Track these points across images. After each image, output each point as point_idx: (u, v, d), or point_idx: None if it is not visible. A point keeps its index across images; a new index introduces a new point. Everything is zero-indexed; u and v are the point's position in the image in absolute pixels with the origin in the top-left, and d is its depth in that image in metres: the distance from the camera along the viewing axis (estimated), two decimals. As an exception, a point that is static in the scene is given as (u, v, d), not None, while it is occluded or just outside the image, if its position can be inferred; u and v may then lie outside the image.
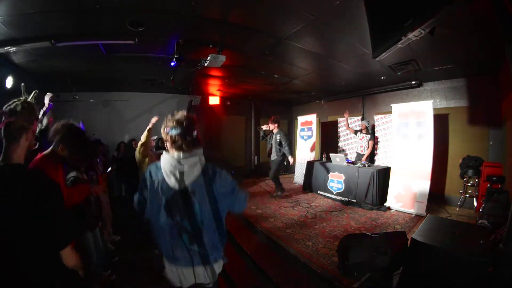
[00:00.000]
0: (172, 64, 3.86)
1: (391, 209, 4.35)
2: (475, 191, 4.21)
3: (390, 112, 4.87)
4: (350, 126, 6.05)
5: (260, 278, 2.62)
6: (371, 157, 5.66)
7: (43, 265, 0.98)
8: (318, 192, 5.51)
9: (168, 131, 1.25)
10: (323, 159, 5.98)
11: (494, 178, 3.59)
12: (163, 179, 1.24)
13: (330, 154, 5.44)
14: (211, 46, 3.60)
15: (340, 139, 6.97)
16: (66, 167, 2.19)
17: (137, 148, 3.26)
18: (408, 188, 4.26)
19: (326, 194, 5.29)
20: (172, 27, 3.15)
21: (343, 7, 2.52)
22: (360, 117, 6.42)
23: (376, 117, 5.98)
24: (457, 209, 4.32)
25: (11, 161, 0.98)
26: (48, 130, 2.05)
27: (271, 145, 5.26)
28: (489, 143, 4.29)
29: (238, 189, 1.34)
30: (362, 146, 5.58)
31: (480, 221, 2.93)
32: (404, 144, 4.46)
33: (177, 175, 1.22)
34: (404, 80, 5.06)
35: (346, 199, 4.79)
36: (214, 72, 5.06)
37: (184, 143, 1.24)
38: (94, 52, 3.73)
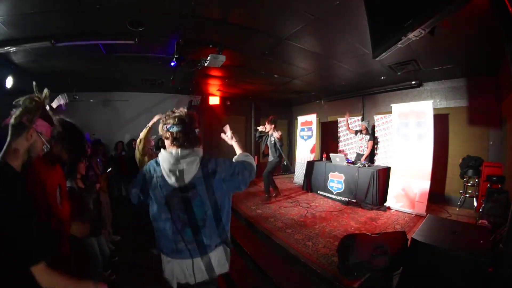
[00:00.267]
0: (172, 64, 3.86)
1: (391, 209, 4.35)
2: (475, 191, 4.21)
3: (390, 112, 4.88)
4: (350, 126, 6.06)
5: (260, 278, 2.62)
6: (370, 157, 5.67)
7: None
8: (318, 192, 5.51)
9: (169, 127, 1.23)
10: (323, 159, 5.98)
11: (494, 178, 3.59)
12: (162, 176, 1.23)
13: (330, 154, 5.44)
14: (211, 46, 3.60)
15: (340, 139, 6.97)
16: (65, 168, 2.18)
17: (136, 147, 3.25)
18: (408, 188, 4.26)
19: (326, 194, 5.29)
20: (172, 27, 3.15)
21: (343, 7, 2.52)
22: (360, 117, 6.42)
23: (376, 117, 5.98)
24: (457, 209, 4.32)
25: (1, 159, 0.92)
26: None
27: (266, 145, 5.11)
28: (489, 143, 4.29)
29: (238, 168, 1.32)
30: (361, 147, 5.59)
31: (480, 221, 2.93)
32: (404, 144, 4.46)
33: (177, 173, 1.20)
34: (404, 80, 5.06)
35: (346, 199, 4.79)
36: (214, 72, 5.06)
37: (186, 140, 1.23)
38: (94, 52, 3.73)
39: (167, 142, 1.28)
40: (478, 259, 1.56)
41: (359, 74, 4.86)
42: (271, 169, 5.01)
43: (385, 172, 4.67)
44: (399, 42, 1.73)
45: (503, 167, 3.79)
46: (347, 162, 5.17)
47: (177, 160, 1.21)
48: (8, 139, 0.94)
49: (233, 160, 1.43)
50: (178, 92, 6.98)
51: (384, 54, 1.98)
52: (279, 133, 4.89)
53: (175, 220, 1.22)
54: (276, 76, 5.24)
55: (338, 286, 2.21)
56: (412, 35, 1.61)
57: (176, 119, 1.24)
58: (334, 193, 5.11)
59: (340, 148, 6.91)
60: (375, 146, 5.85)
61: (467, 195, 4.35)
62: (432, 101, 4.27)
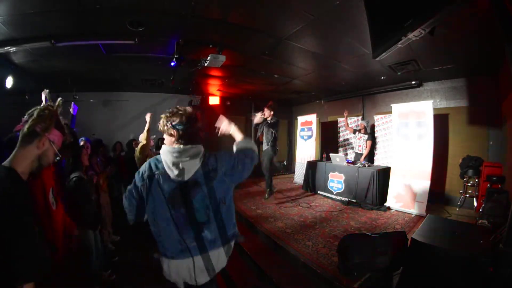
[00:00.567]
0: (172, 64, 3.86)
1: (391, 209, 4.35)
2: (475, 191, 4.21)
3: (390, 112, 4.88)
4: (349, 125, 6.07)
5: (260, 278, 2.62)
6: (370, 157, 5.67)
7: None
8: (318, 192, 5.51)
9: (175, 124, 1.23)
10: (323, 159, 5.98)
11: (494, 178, 3.59)
12: (164, 172, 1.22)
13: (330, 154, 5.45)
14: (211, 46, 3.60)
15: (340, 139, 6.97)
16: (63, 166, 2.19)
17: (137, 149, 3.25)
18: (408, 188, 4.26)
19: (326, 194, 5.29)
20: (172, 27, 3.15)
21: (343, 7, 2.52)
22: (360, 117, 6.42)
23: (376, 117, 5.98)
24: (457, 209, 4.32)
25: (8, 164, 0.90)
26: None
27: (262, 133, 4.82)
28: (489, 143, 4.29)
29: (238, 159, 1.34)
30: (360, 146, 5.60)
31: (480, 221, 2.93)
32: (404, 144, 4.46)
33: (180, 166, 1.20)
34: (404, 80, 5.06)
35: (346, 199, 4.79)
36: (214, 72, 5.06)
37: (190, 137, 1.25)
38: (94, 52, 3.73)
39: (169, 139, 1.27)
40: (478, 259, 1.56)
41: (359, 74, 4.86)
42: (269, 161, 4.75)
43: (385, 172, 4.67)
44: (399, 42, 1.73)
45: (503, 167, 3.79)
46: (347, 162, 5.17)
47: (180, 154, 1.21)
48: (18, 145, 0.93)
49: (234, 146, 1.46)
50: (178, 92, 6.98)
51: (384, 54, 1.98)
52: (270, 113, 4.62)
53: (179, 218, 1.22)
54: (276, 76, 5.24)
55: (338, 286, 2.21)
56: (412, 35, 1.61)
57: (183, 117, 1.25)
58: (334, 193, 5.11)
59: (340, 148, 6.91)
60: (375, 146, 5.86)
61: (467, 195, 4.34)
62: (432, 101, 4.27)
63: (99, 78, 5.39)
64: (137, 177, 1.28)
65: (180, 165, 1.20)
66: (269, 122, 4.67)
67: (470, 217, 3.86)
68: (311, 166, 5.86)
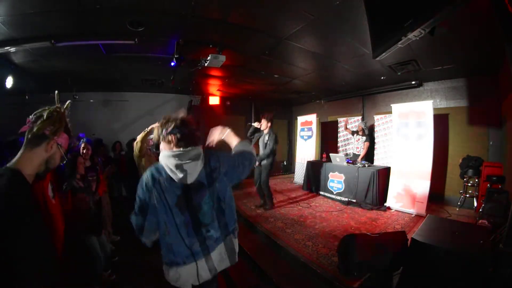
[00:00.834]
0: (172, 64, 3.86)
1: (391, 209, 4.35)
2: (475, 191, 4.21)
3: (390, 112, 4.88)
4: (349, 127, 6.09)
5: (260, 278, 2.62)
6: (369, 157, 5.67)
7: None
8: (318, 192, 5.51)
9: (171, 130, 1.23)
10: (323, 159, 5.98)
11: (494, 178, 3.58)
12: (169, 178, 1.21)
13: (330, 154, 5.45)
14: (211, 46, 3.60)
15: (340, 139, 6.97)
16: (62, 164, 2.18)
17: (134, 148, 3.26)
18: (408, 188, 4.26)
19: (326, 194, 5.29)
20: (172, 27, 3.14)
21: (343, 7, 2.51)
22: (360, 117, 6.43)
23: (376, 117, 5.98)
24: (457, 209, 4.32)
25: (14, 166, 0.87)
26: None
27: (256, 144, 4.49)
28: (489, 143, 4.29)
29: (238, 160, 1.37)
30: (358, 148, 5.64)
31: (480, 221, 2.93)
32: (404, 144, 4.46)
33: (184, 168, 1.20)
34: (404, 80, 5.06)
35: (346, 199, 4.79)
36: (214, 72, 5.06)
37: (189, 140, 1.25)
38: (94, 52, 3.73)
39: (167, 146, 1.26)
40: (478, 259, 1.56)
41: (359, 74, 4.86)
42: (268, 173, 4.42)
43: (385, 172, 4.67)
44: (399, 42, 1.73)
45: (503, 167, 3.79)
46: (347, 162, 5.17)
47: (182, 157, 1.21)
48: (24, 147, 0.90)
49: (233, 150, 1.47)
50: (178, 92, 6.98)
51: (384, 54, 1.98)
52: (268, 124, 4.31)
53: (187, 221, 1.23)
54: (276, 76, 5.24)
55: (338, 286, 2.21)
56: (412, 35, 1.61)
57: (176, 121, 1.25)
58: (334, 193, 5.11)
59: (340, 148, 6.91)
60: (375, 147, 5.86)
61: (467, 195, 4.34)
62: (432, 101, 4.27)
63: (99, 78, 5.38)
64: (140, 191, 1.23)
65: (184, 167, 1.20)
66: (266, 137, 4.33)
67: (470, 217, 3.86)
68: (311, 166, 5.86)
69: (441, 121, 4.63)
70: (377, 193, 4.44)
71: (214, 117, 7.51)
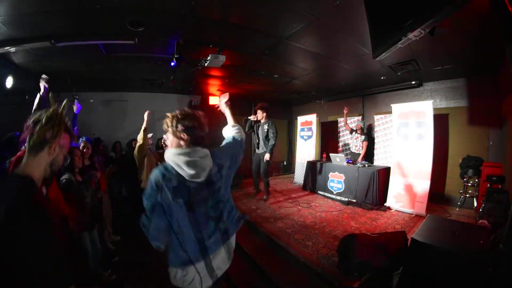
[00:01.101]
0: (172, 64, 3.86)
1: (391, 209, 4.35)
2: (475, 191, 4.21)
3: (390, 112, 4.87)
4: (348, 124, 6.09)
5: (260, 278, 2.62)
6: (369, 157, 5.68)
7: None
8: (318, 192, 5.51)
9: (187, 130, 1.23)
10: (323, 159, 5.98)
11: (494, 178, 3.58)
12: (180, 176, 1.18)
13: (330, 154, 5.45)
14: (211, 46, 3.60)
15: (340, 139, 6.97)
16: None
17: (135, 149, 3.27)
18: (408, 188, 4.26)
19: (326, 194, 5.29)
20: (172, 27, 3.15)
21: (343, 7, 2.52)
22: (360, 117, 6.43)
23: (376, 117, 5.98)
24: (457, 209, 4.32)
25: (19, 172, 0.88)
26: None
27: (258, 137, 4.74)
28: (489, 143, 4.29)
29: (233, 149, 1.44)
30: (356, 146, 5.66)
31: (480, 221, 2.93)
32: (404, 144, 4.46)
33: (197, 164, 1.20)
34: (404, 80, 5.06)
35: (346, 199, 4.79)
36: (214, 72, 5.06)
37: (200, 140, 1.27)
38: (94, 52, 3.73)
39: (176, 141, 1.25)
40: (478, 259, 1.56)
41: (359, 74, 4.86)
42: (267, 166, 4.64)
43: (385, 172, 4.67)
44: (399, 42, 1.73)
45: (503, 167, 3.79)
46: (347, 162, 5.17)
47: (192, 155, 1.21)
48: (28, 153, 0.91)
49: (223, 132, 1.57)
50: (178, 92, 6.98)
51: (384, 54, 1.98)
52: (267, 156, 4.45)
53: (199, 219, 1.23)
54: (276, 76, 5.24)
55: (338, 286, 2.21)
56: (412, 35, 1.61)
57: (195, 121, 1.26)
58: (334, 193, 5.11)
59: (340, 148, 6.91)
60: (375, 147, 5.86)
61: (467, 195, 4.34)
62: (432, 101, 4.26)
63: (99, 78, 5.38)
64: (150, 191, 1.17)
65: (196, 163, 1.20)
66: (265, 126, 4.54)
67: (470, 217, 3.85)
68: (311, 166, 5.86)
69: (441, 121, 4.63)
70: (377, 193, 4.44)
71: (214, 117, 7.50)
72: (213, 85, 6.43)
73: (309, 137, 6.84)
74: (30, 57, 3.74)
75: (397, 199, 4.39)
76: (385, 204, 4.45)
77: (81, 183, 2.31)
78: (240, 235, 1.49)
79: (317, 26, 2.99)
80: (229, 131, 1.59)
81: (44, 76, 2.52)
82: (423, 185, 4.09)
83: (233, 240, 1.40)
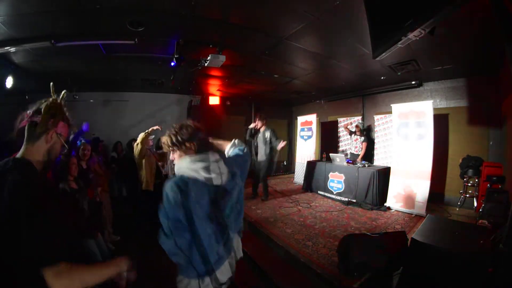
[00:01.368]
0: (172, 64, 3.86)
1: (391, 209, 4.35)
2: (475, 191, 4.21)
3: (390, 112, 4.87)
4: (348, 127, 6.14)
5: (260, 277, 2.62)
6: (369, 158, 5.69)
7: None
8: (318, 192, 5.51)
9: (189, 138, 1.21)
10: (323, 159, 5.98)
11: (494, 178, 3.58)
12: (199, 185, 1.14)
13: (330, 154, 5.45)
14: (211, 46, 3.60)
15: (340, 139, 6.97)
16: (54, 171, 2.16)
17: (134, 149, 3.27)
18: (408, 188, 4.26)
19: (326, 194, 5.29)
20: (172, 27, 3.15)
21: (343, 7, 2.52)
22: (360, 117, 6.43)
23: (376, 117, 5.98)
24: (457, 209, 4.32)
25: (19, 157, 0.92)
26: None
27: (256, 145, 4.90)
28: (489, 143, 4.29)
29: (244, 163, 1.43)
30: (356, 147, 5.69)
31: (480, 221, 2.93)
32: (404, 144, 4.46)
33: (217, 167, 1.19)
34: (404, 80, 5.06)
35: (346, 199, 4.79)
36: (214, 72, 5.06)
37: (205, 144, 1.27)
38: (94, 52, 3.73)
39: (186, 153, 1.22)
40: (478, 259, 1.56)
41: (359, 74, 4.86)
42: (266, 170, 4.88)
43: (385, 172, 4.67)
44: (399, 42, 1.73)
45: (503, 167, 3.78)
46: (347, 162, 5.17)
47: (207, 160, 1.18)
48: (26, 141, 0.94)
49: (229, 151, 1.52)
50: (178, 92, 6.97)
51: (384, 54, 1.98)
52: (282, 144, 4.55)
53: (218, 228, 1.21)
54: (276, 76, 5.24)
55: (338, 286, 2.21)
56: (412, 35, 1.61)
57: (189, 128, 1.23)
58: (334, 193, 5.11)
59: (340, 148, 6.92)
60: (375, 147, 5.86)
61: (467, 195, 4.34)
62: (432, 101, 4.27)
63: (99, 78, 5.38)
64: (169, 208, 1.09)
65: (213, 166, 1.18)
66: (267, 133, 4.68)
67: (470, 217, 3.86)
68: (311, 166, 5.86)
69: (441, 121, 4.63)
70: (377, 193, 4.44)
71: (214, 117, 7.52)
72: (213, 85, 6.43)
73: (309, 137, 6.84)
74: (30, 57, 3.74)
75: (397, 199, 4.39)
76: (385, 204, 4.44)
77: (77, 191, 2.27)
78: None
79: (317, 26, 2.99)
80: (232, 147, 1.54)
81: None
82: (423, 185, 4.09)
83: (237, 242, 1.39)
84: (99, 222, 2.71)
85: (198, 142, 1.23)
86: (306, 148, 6.88)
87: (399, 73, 4.53)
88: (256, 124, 4.77)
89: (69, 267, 0.80)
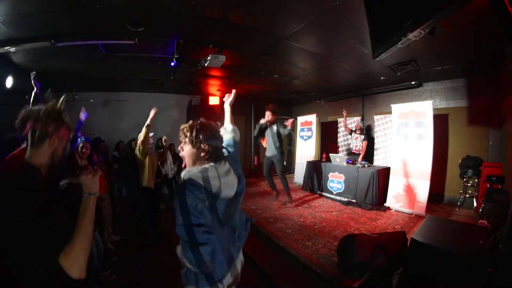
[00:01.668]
0: (172, 64, 3.86)
1: (391, 209, 4.35)
2: (474, 191, 4.21)
3: (390, 112, 4.88)
4: (348, 125, 6.13)
5: (260, 278, 2.62)
6: (368, 157, 5.69)
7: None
8: (318, 192, 5.51)
9: (209, 140, 1.15)
10: (323, 159, 5.99)
11: (494, 178, 3.59)
12: (214, 192, 1.08)
13: (330, 154, 5.45)
14: (211, 46, 3.60)
15: (340, 139, 6.97)
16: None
17: (137, 147, 3.26)
18: (408, 188, 4.26)
19: (326, 194, 5.29)
20: (172, 27, 3.15)
21: (343, 7, 2.52)
22: (360, 117, 6.43)
23: (376, 117, 5.98)
24: (457, 209, 4.32)
25: (26, 161, 0.96)
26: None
27: (264, 136, 4.69)
28: (489, 143, 4.30)
29: (235, 155, 1.39)
30: (356, 146, 5.68)
31: (479, 221, 2.93)
32: (404, 144, 4.46)
33: (226, 181, 1.13)
34: (404, 80, 5.06)
35: (346, 199, 4.79)
36: (214, 72, 5.06)
37: (219, 155, 1.20)
38: (94, 52, 3.73)
39: (196, 153, 1.16)
40: (478, 259, 1.57)
41: (359, 74, 4.86)
42: (282, 166, 4.63)
43: (385, 172, 4.67)
44: (399, 42, 1.73)
45: (502, 167, 3.79)
46: (347, 162, 5.17)
47: (219, 172, 1.12)
48: (30, 146, 0.97)
49: (222, 131, 1.42)
50: (178, 92, 6.98)
51: (384, 54, 1.98)
52: (289, 121, 4.44)
53: (230, 232, 1.21)
54: (276, 76, 5.25)
55: (337, 286, 2.21)
56: (412, 36, 1.61)
57: (213, 131, 1.18)
58: (334, 193, 5.11)
59: (340, 148, 6.92)
60: (375, 147, 5.87)
61: (467, 195, 4.35)
62: (431, 101, 4.27)
63: (99, 78, 5.39)
64: (191, 216, 0.99)
65: (225, 179, 1.12)
66: (274, 127, 4.52)
67: (469, 217, 3.86)
68: (311, 166, 5.86)
69: (440, 121, 4.64)
70: (376, 193, 4.44)
71: (214, 117, 7.49)
72: (213, 85, 6.44)
73: (309, 137, 6.85)
74: (30, 57, 3.74)
75: (396, 199, 4.39)
76: (384, 204, 4.45)
77: (79, 186, 2.28)
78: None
79: (317, 26, 2.99)
80: (229, 132, 1.54)
81: (33, 73, 2.53)
82: (422, 185, 4.09)
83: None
84: (98, 218, 2.71)
85: (213, 148, 1.16)
86: (306, 148, 6.88)
87: (399, 73, 4.54)
88: (267, 118, 4.50)
89: (68, 246, 0.83)
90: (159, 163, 3.79)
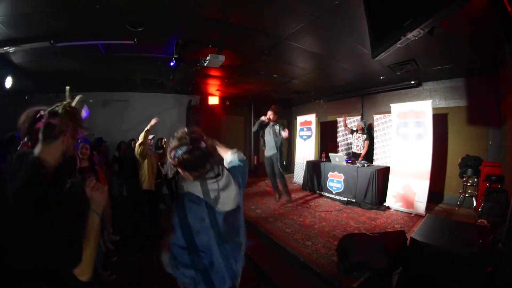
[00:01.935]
0: (172, 64, 3.86)
1: (391, 209, 4.36)
2: (474, 190, 4.22)
3: (390, 112, 4.88)
4: (348, 125, 6.13)
5: (260, 278, 2.63)
6: (368, 157, 5.69)
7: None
8: (318, 192, 5.51)
9: (203, 159, 1.09)
10: (323, 159, 5.99)
11: (493, 177, 3.59)
12: (212, 209, 1.07)
13: (330, 154, 5.45)
14: (210, 46, 3.60)
15: (340, 139, 6.97)
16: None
17: (136, 149, 3.27)
18: (408, 187, 4.27)
19: (326, 194, 5.30)
20: (172, 27, 3.14)
21: (343, 7, 2.52)
22: (359, 117, 6.43)
23: (375, 117, 5.98)
24: (457, 208, 4.33)
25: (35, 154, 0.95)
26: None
27: (265, 139, 4.73)
28: (488, 143, 4.30)
29: (244, 174, 1.33)
30: (358, 146, 5.66)
31: (479, 221, 2.94)
32: (403, 143, 4.47)
33: (225, 196, 1.11)
34: (403, 80, 5.06)
35: (346, 198, 4.80)
36: (214, 72, 5.06)
37: (216, 168, 1.13)
38: (93, 52, 3.72)
39: (197, 175, 1.09)
40: (478, 259, 1.57)
41: (359, 74, 4.86)
42: (281, 165, 4.64)
43: (384, 172, 4.68)
44: (398, 42, 1.73)
45: (502, 167, 3.79)
46: (347, 162, 5.17)
47: (217, 186, 1.09)
48: (42, 142, 0.96)
49: (228, 163, 1.39)
50: (177, 92, 6.97)
51: (383, 54, 1.98)
52: (287, 132, 4.52)
53: (232, 247, 1.15)
54: (275, 76, 5.24)
55: (337, 285, 2.22)
56: (411, 35, 1.61)
57: (203, 154, 1.08)
58: (334, 193, 5.11)
59: (340, 148, 6.92)
60: (375, 147, 5.87)
61: (466, 195, 4.35)
62: (431, 100, 4.28)
63: (98, 78, 5.37)
64: (183, 241, 1.01)
65: (223, 193, 1.09)
66: (276, 127, 4.60)
67: (469, 216, 3.86)
68: (311, 166, 5.86)
69: (440, 120, 4.64)
70: (376, 193, 4.45)
71: (214, 117, 7.52)
72: (213, 85, 6.43)
73: (309, 137, 6.85)
74: (29, 57, 3.73)
75: (396, 199, 4.39)
76: (384, 204, 4.45)
77: (80, 186, 2.28)
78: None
79: (317, 26, 2.99)
80: (233, 156, 1.44)
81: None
82: (422, 185, 4.10)
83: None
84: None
85: (209, 166, 1.10)
86: (305, 148, 6.88)
87: (398, 73, 4.53)
88: (268, 117, 4.60)
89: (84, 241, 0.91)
90: (158, 163, 3.79)
